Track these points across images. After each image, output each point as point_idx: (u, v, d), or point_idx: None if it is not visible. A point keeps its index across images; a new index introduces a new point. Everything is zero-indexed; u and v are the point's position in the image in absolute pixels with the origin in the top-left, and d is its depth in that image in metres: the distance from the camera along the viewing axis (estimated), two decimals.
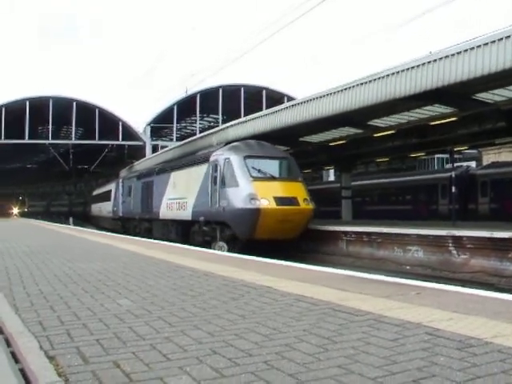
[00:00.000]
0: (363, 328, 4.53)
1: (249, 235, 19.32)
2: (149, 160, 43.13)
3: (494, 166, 32.89)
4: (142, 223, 31.86)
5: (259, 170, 20.11)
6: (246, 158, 20.23)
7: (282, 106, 24.27)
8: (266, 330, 4.53)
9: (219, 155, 21.01)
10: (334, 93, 19.64)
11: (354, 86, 18.70)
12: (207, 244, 20.58)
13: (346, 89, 19.09)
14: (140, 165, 44.47)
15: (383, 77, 17.44)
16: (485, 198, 30.75)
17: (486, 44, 14.32)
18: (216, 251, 16.48)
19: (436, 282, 8.44)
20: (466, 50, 14.87)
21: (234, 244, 19.87)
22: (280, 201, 19.20)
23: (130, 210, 34.89)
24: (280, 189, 19.80)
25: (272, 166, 20.82)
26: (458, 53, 15.12)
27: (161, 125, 59.03)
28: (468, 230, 16.40)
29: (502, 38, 14.01)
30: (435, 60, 15.67)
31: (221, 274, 8.53)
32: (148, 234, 29.32)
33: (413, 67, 16.33)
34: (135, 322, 4.84)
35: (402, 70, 16.70)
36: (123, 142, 57.34)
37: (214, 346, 3.97)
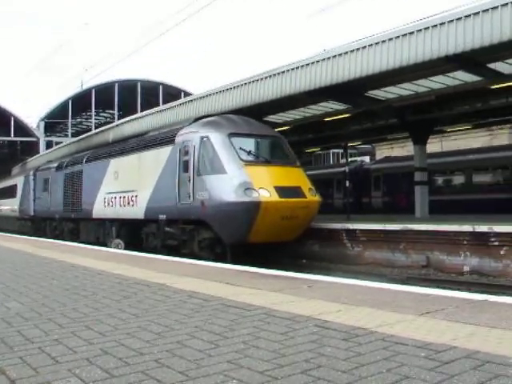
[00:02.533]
0: (254, 322, 4.54)
1: (239, 238, 14.99)
2: (67, 147, 36.75)
3: (386, 161, 34.08)
4: (65, 224, 25.94)
5: (250, 152, 15.73)
6: (231, 135, 15.65)
7: (179, 101, 24.12)
8: (158, 327, 4.46)
9: (192, 133, 16.25)
10: (229, 89, 19.72)
11: (249, 83, 18.85)
12: (171, 250, 16.43)
13: (241, 85, 19.20)
14: (55, 153, 38.34)
15: (279, 73, 17.68)
16: (378, 192, 31.84)
17: (378, 43, 14.83)
18: (112, 249, 16.14)
19: (333, 275, 8.63)
20: (357, 49, 15.34)
21: (211, 250, 15.58)
22: (283, 192, 14.91)
23: (46, 208, 28.38)
24: (280, 176, 15.59)
25: (264, 147, 16.86)
26: (351, 51, 15.55)
27: (55, 120, 57.33)
28: (361, 223, 16.92)
29: (391, 38, 14.54)
30: (329, 58, 16.05)
31: (115, 273, 8.38)
32: (73, 236, 24.26)
33: (307, 64, 16.65)
34: (24, 326, 4.64)
35: (297, 67, 16.99)
36: (15, 138, 55.31)
37: (105, 347, 3.87)
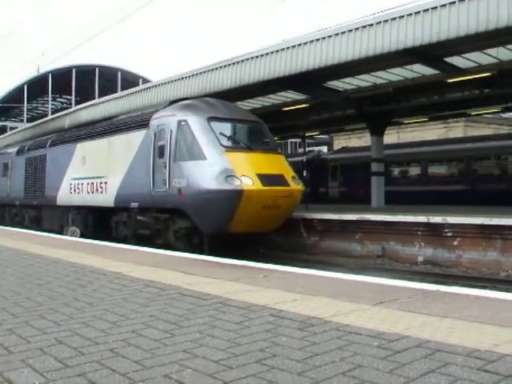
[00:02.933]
0: (210, 312, 4.54)
1: (219, 228, 14.27)
2: (21, 133, 35.04)
3: (344, 151, 34.36)
4: (26, 211, 24.58)
5: (230, 138, 15.03)
6: (210, 120, 14.82)
7: (137, 88, 23.87)
8: (113, 317, 4.43)
9: (168, 117, 15.40)
10: (188, 77, 19.60)
11: (208, 71, 18.77)
12: (142, 239, 15.60)
13: (200, 73, 19.10)
14: (10, 138, 36.37)
15: (238, 62, 17.64)
16: (335, 182, 32.10)
17: (337, 34, 14.91)
18: (68, 237, 15.92)
19: (291, 265, 8.65)
20: (317, 40, 15.39)
21: (188, 240, 14.96)
22: (266, 180, 14.16)
23: (6, 195, 26.79)
24: (261, 163, 14.81)
25: (245, 133, 16.07)
26: (310, 41, 15.60)
27: (10, 105, 56.10)
28: (318, 213, 17.04)
29: (351, 30, 14.64)
30: (288, 48, 16.07)
31: (70, 261, 8.28)
32: (35, 224, 23.08)
33: (267, 54, 16.64)
34: None
35: (256, 57, 16.97)
36: None
37: (60, 336, 3.82)
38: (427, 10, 13.24)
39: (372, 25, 14.26)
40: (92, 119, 23.78)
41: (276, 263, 8.59)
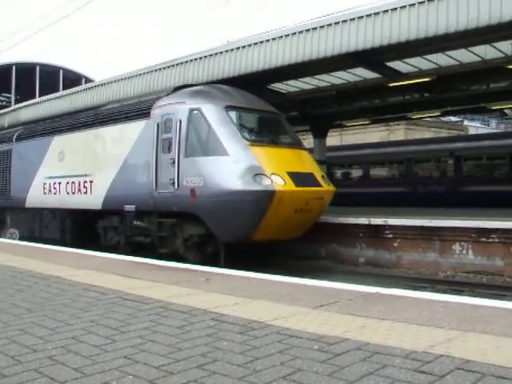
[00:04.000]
0: (151, 316, 4.51)
1: (241, 236, 12.32)
2: None
3: None
4: None
5: (251, 130, 13.29)
6: (228, 109, 12.93)
7: (79, 87, 23.48)
8: (52, 322, 4.36)
9: (175, 105, 13.28)
10: (133, 77, 19.35)
11: (150, 72, 18.56)
12: (139, 248, 13.88)
13: (142, 74, 18.89)
14: None
15: (181, 63, 17.55)
16: None
17: (281, 37, 15.03)
18: (9, 240, 15.46)
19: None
20: (261, 42, 15.47)
21: (199, 250, 12.95)
22: (298, 179, 12.36)
23: None
24: (289, 160, 13.00)
25: (266, 125, 14.16)
26: (254, 43, 15.66)
27: None
28: None
29: (295, 33, 14.76)
30: (232, 49, 16.09)
31: (9, 265, 8.10)
32: None
33: (211, 55, 16.61)
34: None
35: (200, 58, 16.93)
36: None
37: None
38: (370, 15, 13.46)
39: (316, 28, 14.40)
40: (33, 118, 23.14)
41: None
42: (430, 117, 30.47)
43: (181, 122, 12.79)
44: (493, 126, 49.67)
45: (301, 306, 4.82)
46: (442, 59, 16.51)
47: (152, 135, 13.39)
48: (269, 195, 11.73)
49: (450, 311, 4.62)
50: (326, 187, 13.34)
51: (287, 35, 14.91)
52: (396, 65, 16.90)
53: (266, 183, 11.76)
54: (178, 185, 12.50)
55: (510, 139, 23.69)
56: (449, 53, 15.95)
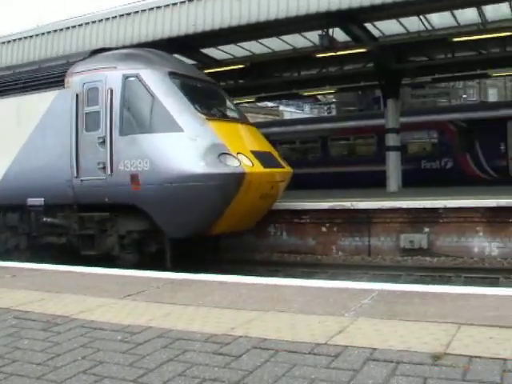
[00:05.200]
0: None
1: (199, 229, 10.30)
2: None
3: None
4: None
5: (201, 102, 10.76)
6: (172, 76, 10.61)
7: None
8: None
9: (101, 70, 10.68)
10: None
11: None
12: (47, 250, 11.29)
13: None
14: None
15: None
16: None
17: (101, 21, 14.72)
18: None
19: None
20: (73, 26, 14.96)
21: (138, 249, 10.62)
22: (263, 159, 10.57)
23: None
24: (247, 138, 11.22)
25: (211, 97, 11.84)
26: (66, 28, 15.14)
27: None
28: None
29: (109, 18, 14.52)
30: (43, 33, 15.41)
31: None
32: None
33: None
34: None
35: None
36: None
37: None
38: (184, 2, 13.60)
39: (130, 14, 14.42)
40: None
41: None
42: (247, 102, 31.26)
43: (112, 91, 10.30)
44: (307, 111, 52.20)
45: (108, 298, 4.80)
46: (255, 47, 17.09)
47: (69, 109, 10.71)
48: (238, 178, 9.78)
49: (253, 293, 4.84)
50: (288, 168, 11.70)
51: (100, 20, 14.62)
52: (211, 52, 17.22)
53: (233, 164, 9.77)
54: (112, 170, 10.07)
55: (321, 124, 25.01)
56: (262, 41, 16.55)
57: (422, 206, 12.10)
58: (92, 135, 10.35)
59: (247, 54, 17.52)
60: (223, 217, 10.11)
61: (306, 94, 25.04)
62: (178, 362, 3.05)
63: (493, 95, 57.84)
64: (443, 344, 3.14)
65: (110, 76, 10.42)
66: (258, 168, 10.20)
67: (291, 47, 17.60)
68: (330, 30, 14.15)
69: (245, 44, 16.71)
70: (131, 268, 7.66)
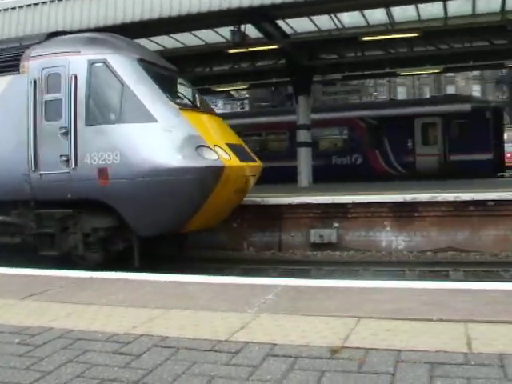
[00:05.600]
0: None
1: (172, 226, 9.82)
2: None
3: None
4: None
5: (171, 92, 10.29)
6: (140, 63, 9.89)
7: None
8: None
9: (64, 55, 9.83)
10: None
11: None
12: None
13: None
14: None
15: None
16: None
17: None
18: None
19: None
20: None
21: (107, 248, 9.96)
22: (238, 153, 10.16)
23: None
24: (220, 130, 10.78)
25: (178, 86, 11.15)
26: None
27: None
28: None
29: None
30: None
31: None
32: None
33: None
34: None
35: None
36: None
37: None
38: None
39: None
40: None
41: None
42: None
43: (76, 77, 9.52)
44: (220, 107, 52.31)
45: (8, 298, 4.63)
46: (167, 41, 17.00)
47: (25, 96, 9.85)
48: (216, 172, 9.30)
49: (159, 290, 4.83)
50: (259, 162, 11.28)
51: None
52: None
53: (212, 157, 9.28)
54: (76, 163, 9.33)
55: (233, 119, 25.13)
56: (174, 35, 16.46)
57: (331, 202, 12.39)
58: (53, 125, 9.59)
59: (159, 48, 17.36)
60: (199, 213, 9.66)
61: (218, 89, 25.10)
62: (77, 363, 2.99)
63: (402, 93, 60.05)
64: (341, 338, 3.23)
65: (74, 61, 9.67)
66: (236, 161, 9.86)
67: (204, 42, 17.60)
68: (242, 27, 14.25)
69: (157, 38, 16.58)
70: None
